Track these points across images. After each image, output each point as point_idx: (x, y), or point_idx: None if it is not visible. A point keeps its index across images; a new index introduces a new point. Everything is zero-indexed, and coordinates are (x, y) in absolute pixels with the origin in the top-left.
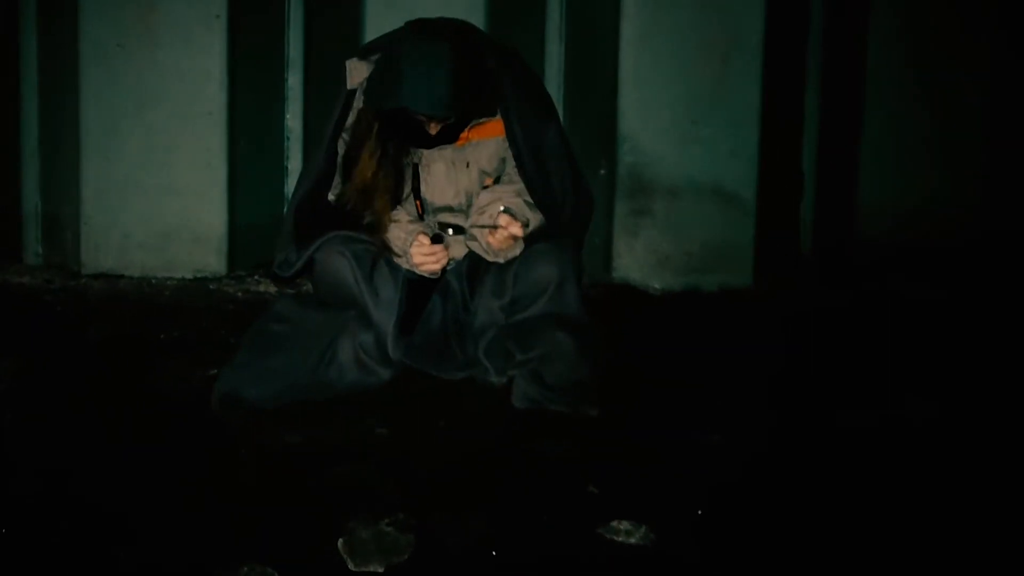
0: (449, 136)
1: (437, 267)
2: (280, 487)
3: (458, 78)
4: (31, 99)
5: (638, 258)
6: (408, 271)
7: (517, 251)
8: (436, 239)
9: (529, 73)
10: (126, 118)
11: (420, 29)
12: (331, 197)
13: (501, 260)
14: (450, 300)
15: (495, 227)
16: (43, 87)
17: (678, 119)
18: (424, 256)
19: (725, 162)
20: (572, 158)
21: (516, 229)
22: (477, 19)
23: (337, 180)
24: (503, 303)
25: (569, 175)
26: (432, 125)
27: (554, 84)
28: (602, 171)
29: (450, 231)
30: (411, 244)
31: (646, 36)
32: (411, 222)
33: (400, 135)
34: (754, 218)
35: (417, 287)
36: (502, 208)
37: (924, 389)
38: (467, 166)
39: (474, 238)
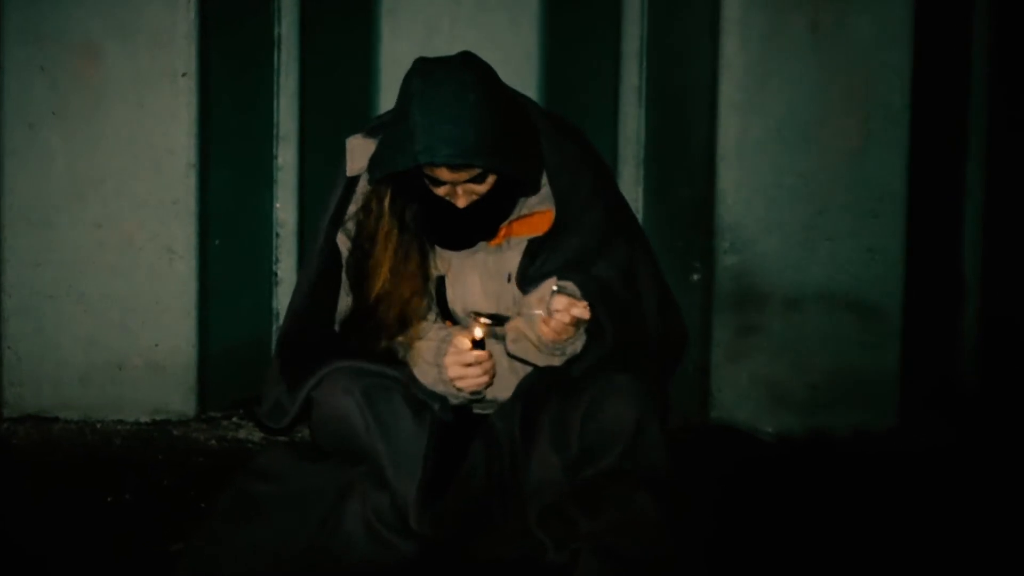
0: (484, 223)
1: (482, 381)
2: None
3: (489, 119)
4: None
5: (744, 391)
6: (443, 407)
7: (579, 345)
8: (478, 344)
9: (589, 146)
10: (62, 208)
11: (435, 63)
12: (337, 319)
13: (557, 361)
14: (495, 451)
15: (549, 313)
16: None
17: (798, 206)
18: (462, 368)
19: (861, 263)
20: (656, 269)
21: (579, 309)
22: (529, 75)
23: (344, 296)
24: (566, 457)
25: (654, 294)
26: (460, 192)
27: (630, 160)
28: (695, 275)
29: (482, 323)
30: (445, 353)
31: (754, 97)
32: (441, 328)
33: (420, 223)
34: (900, 338)
35: (451, 434)
36: (555, 288)
37: None
38: (508, 279)
39: (519, 336)
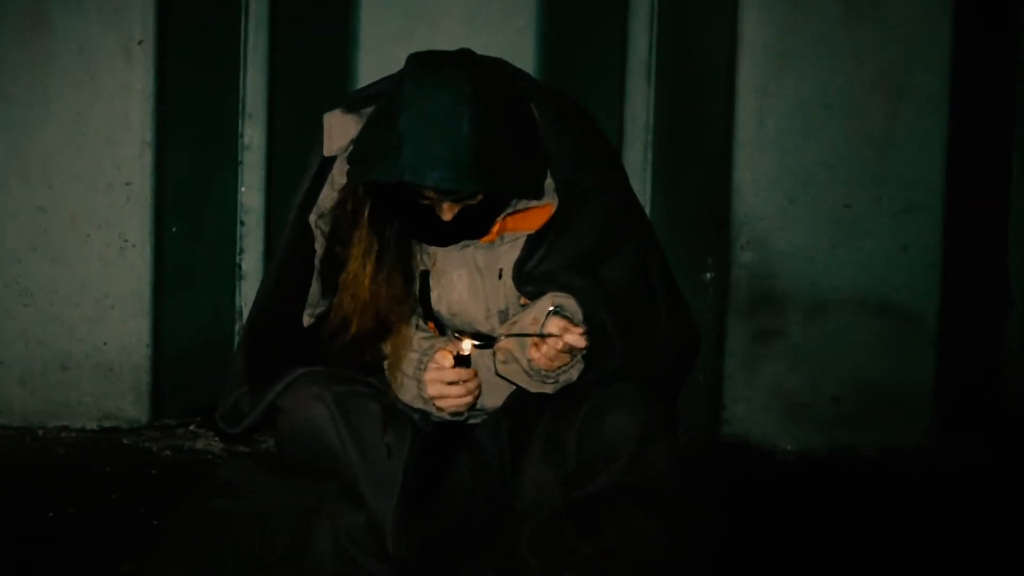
0: (473, 226)
1: (464, 402)
2: None
3: (485, 134)
4: None
5: (761, 405)
6: (423, 417)
7: (574, 374)
8: (461, 360)
9: (597, 133)
10: (1, 190)
11: (428, 65)
12: (306, 319)
13: (549, 389)
14: (483, 466)
15: (542, 335)
16: None
17: (822, 200)
18: (443, 387)
19: (893, 263)
20: (664, 266)
21: (574, 337)
22: (525, 48)
23: (315, 291)
24: (560, 473)
25: (659, 294)
26: (446, 207)
27: (637, 144)
28: (708, 274)
29: (469, 345)
30: (423, 368)
31: (775, 77)
32: (427, 338)
33: (401, 221)
34: (935, 346)
35: (433, 448)
36: (552, 307)
37: None
38: (499, 276)
39: (509, 357)
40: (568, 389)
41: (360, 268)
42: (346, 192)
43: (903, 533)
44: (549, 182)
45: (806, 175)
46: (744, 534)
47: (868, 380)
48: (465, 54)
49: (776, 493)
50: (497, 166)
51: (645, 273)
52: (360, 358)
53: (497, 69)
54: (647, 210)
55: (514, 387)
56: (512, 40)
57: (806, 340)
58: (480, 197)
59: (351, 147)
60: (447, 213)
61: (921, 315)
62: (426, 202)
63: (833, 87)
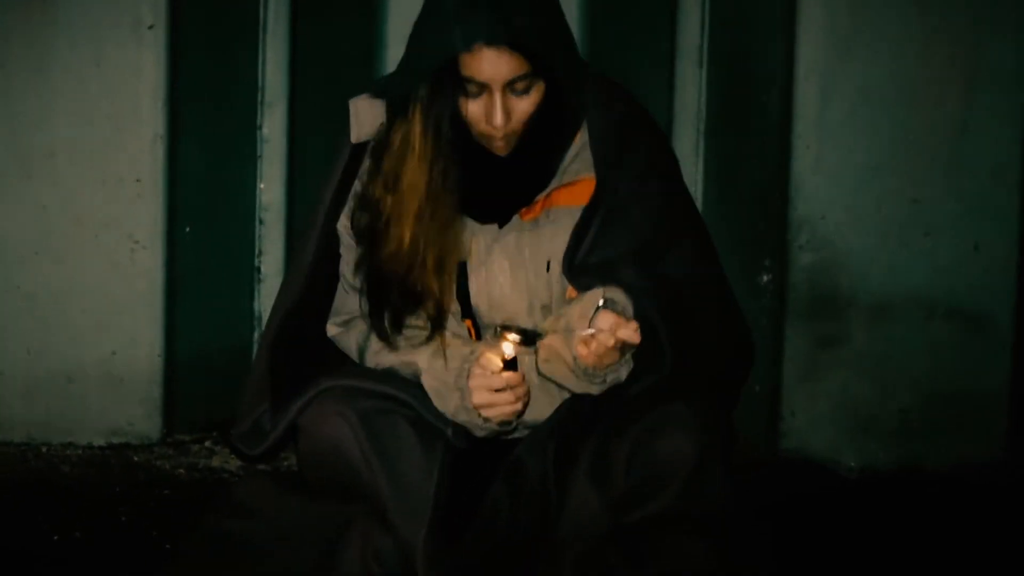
0: (526, 179)
1: (513, 410)
2: None
3: (535, 11)
4: None
5: (822, 417)
6: (456, 433)
7: (623, 373)
8: (509, 365)
9: (647, 115)
10: (2, 188)
11: None
12: (331, 328)
13: (596, 389)
14: (523, 488)
15: (591, 333)
16: None
17: (889, 193)
18: (491, 395)
19: (965, 262)
20: (718, 267)
21: (627, 332)
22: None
23: (342, 293)
24: (609, 497)
25: (717, 299)
26: (499, 109)
27: (688, 134)
28: (765, 277)
29: (512, 346)
30: (469, 374)
31: (837, 61)
32: (466, 344)
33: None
34: (1010, 352)
35: (469, 467)
36: (601, 302)
37: None
38: (547, 268)
39: (552, 355)
40: (619, 407)
41: (419, 188)
42: (384, 133)
43: (977, 555)
44: (588, 156)
45: (871, 168)
46: (803, 559)
47: (937, 389)
48: None
49: (839, 513)
50: (551, 36)
51: (700, 275)
52: (410, 315)
53: None
54: (699, 205)
55: (558, 398)
56: None
57: (870, 346)
58: (535, 98)
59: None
60: (500, 114)
61: (995, 318)
62: (478, 109)
63: (902, 71)
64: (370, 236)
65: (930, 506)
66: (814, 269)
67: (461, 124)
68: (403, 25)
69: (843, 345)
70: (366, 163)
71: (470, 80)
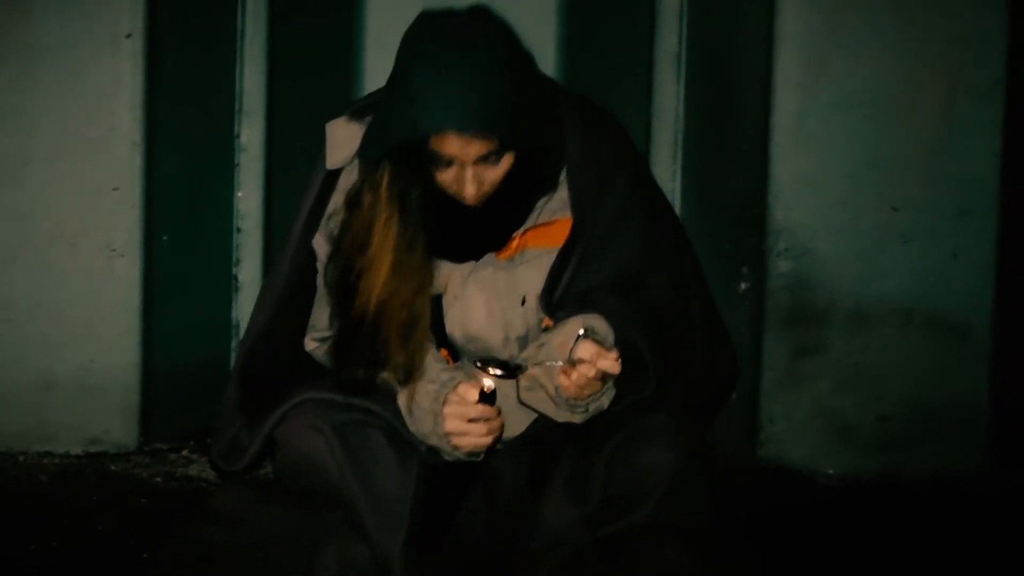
0: (497, 227)
1: (484, 442)
2: None
3: (501, 74)
4: None
5: (801, 426)
6: (430, 451)
7: (606, 401)
8: (486, 397)
9: (624, 140)
10: None
11: (437, 20)
12: (308, 342)
13: (578, 418)
14: (498, 499)
15: (571, 362)
16: None
17: (868, 202)
18: (464, 424)
19: (943, 271)
20: (703, 289)
21: (607, 363)
22: (546, 38)
23: (319, 308)
24: (586, 509)
25: (697, 319)
26: (468, 179)
27: (666, 143)
28: (743, 284)
29: (492, 373)
30: (445, 400)
31: (817, 70)
32: (445, 369)
33: (424, 214)
34: (989, 362)
35: (443, 477)
36: (581, 331)
37: None
38: (522, 302)
39: (534, 384)
40: (597, 418)
41: (385, 261)
42: (360, 186)
43: (956, 564)
44: (565, 195)
45: (850, 176)
46: (784, 568)
47: (916, 398)
48: (479, 8)
49: (818, 521)
50: (518, 115)
51: (683, 296)
52: (379, 372)
53: (514, 33)
54: (677, 215)
55: (537, 415)
56: (531, 29)
57: (849, 355)
58: (504, 166)
59: (360, 148)
60: (470, 187)
61: (973, 327)
62: (449, 177)
63: (880, 81)
64: (341, 289)
65: (909, 515)
66: (793, 277)
67: (431, 180)
68: (381, 32)
69: (822, 353)
70: (340, 199)
71: (439, 156)
